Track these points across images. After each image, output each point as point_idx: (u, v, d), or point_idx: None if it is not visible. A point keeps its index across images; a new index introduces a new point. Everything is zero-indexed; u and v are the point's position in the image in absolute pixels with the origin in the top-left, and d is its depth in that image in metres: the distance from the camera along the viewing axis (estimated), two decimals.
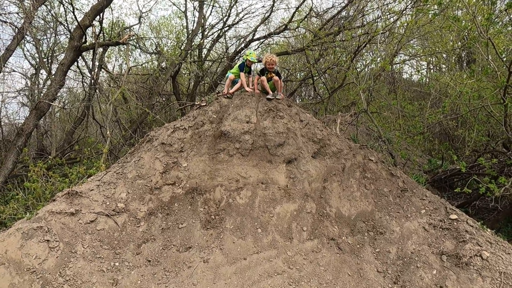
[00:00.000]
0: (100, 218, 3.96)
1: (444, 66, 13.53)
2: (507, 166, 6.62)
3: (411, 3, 9.08)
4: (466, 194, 6.48)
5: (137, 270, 3.62)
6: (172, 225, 4.12)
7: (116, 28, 10.52)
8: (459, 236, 3.82)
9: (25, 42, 10.74)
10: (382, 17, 9.68)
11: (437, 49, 10.68)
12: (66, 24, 9.85)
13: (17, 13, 8.10)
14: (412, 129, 8.32)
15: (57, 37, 11.29)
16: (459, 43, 9.62)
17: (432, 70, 14.72)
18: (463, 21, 7.11)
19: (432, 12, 6.81)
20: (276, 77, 5.31)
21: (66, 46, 10.66)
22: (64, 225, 3.71)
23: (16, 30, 8.11)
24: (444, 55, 11.85)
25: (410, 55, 11.49)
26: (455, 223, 3.98)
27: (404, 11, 9.38)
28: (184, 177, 4.58)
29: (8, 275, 3.09)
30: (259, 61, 5.73)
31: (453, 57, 11.35)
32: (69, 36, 9.11)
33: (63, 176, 6.88)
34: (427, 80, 14.00)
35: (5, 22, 7.26)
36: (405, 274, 3.67)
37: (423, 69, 14.57)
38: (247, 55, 5.50)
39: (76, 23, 8.27)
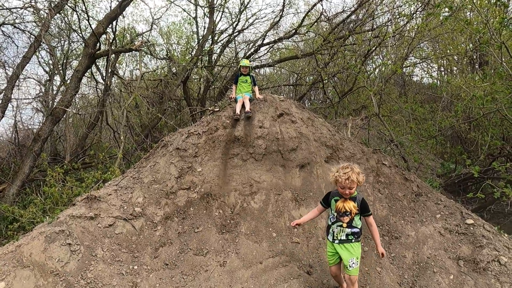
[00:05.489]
0: (118, 222, 4.04)
1: (455, 68, 13.41)
2: None
3: (421, 6, 9.06)
4: (481, 198, 6.41)
5: (155, 273, 3.68)
6: (188, 229, 4.18)
7: (128, 35, 10.71)
8: (475, 241, 3.80)
9: (40, 49, 11.00)
10: (392, 20, 9.67)
11: (448, 51, 10.60)
12: (79, 32, 10.09)
13: (34, 22, 8.31)
14: (424, 132, 8.26)
15: (71, 44, 11.55)
16: (471, 45, 9.54)
17: (443, 73, 14.60)
18: (475, 23, 7.05)
19: (443, 15, 6.79)
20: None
21: (80, 53, 10.91)
22: (84, 229, 3.81)
23: (33, 38, 8.34)
24: (456, 57, 11.75)
25: (421, 57, 11.43)
26: (472, 228, 3.96)
27: (415, 14, 9.36)
28: (199, 181, 4.64)
29: (33, 277, 3.18)
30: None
31: (465, 59, 11.25)
32: (83, 44, 9.31)
33: (78, 180, 7.02)
34: (438, 83, 13.89)
35: (23, 31, 7.48)
36: (422, 279, 3.66)
37: (434, 71, 14.46)
38: (239, 64, 5.68)
39: (90, 31, 8.46)
